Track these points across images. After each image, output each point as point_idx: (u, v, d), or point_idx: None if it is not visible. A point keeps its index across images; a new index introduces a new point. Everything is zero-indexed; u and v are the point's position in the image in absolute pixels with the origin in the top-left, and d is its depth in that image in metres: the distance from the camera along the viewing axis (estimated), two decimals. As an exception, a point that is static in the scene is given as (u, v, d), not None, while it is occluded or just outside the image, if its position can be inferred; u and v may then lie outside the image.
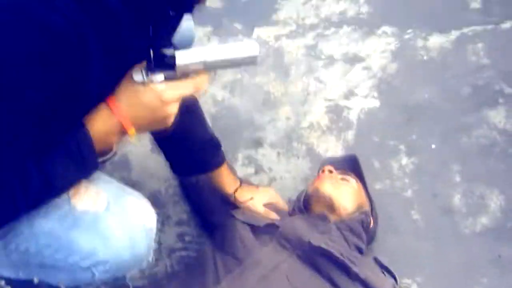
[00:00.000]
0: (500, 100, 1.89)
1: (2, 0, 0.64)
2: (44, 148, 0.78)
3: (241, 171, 1.69)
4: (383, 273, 1.35)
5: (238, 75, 1.96)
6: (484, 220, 1.60)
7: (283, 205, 1.48)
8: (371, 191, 1.56)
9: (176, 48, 0.86)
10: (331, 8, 2.20)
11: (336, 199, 1.37)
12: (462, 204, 1.64)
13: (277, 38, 2.08)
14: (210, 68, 0.93)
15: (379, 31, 2.11)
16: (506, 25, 2.14)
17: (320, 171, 1.48)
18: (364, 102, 1.89)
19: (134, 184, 1.63)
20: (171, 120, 0.89)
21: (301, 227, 1.29)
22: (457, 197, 1.66)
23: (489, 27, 2.13)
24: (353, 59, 2.02)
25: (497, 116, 1.84)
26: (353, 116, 1.85)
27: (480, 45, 2.07)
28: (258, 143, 1.78)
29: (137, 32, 0.79)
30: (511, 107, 1.86)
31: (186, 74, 0.91)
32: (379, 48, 2.06)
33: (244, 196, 1.40)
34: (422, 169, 1.73)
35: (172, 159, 1.32)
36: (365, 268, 1.26)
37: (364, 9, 2.18)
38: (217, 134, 1.39)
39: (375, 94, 1.91)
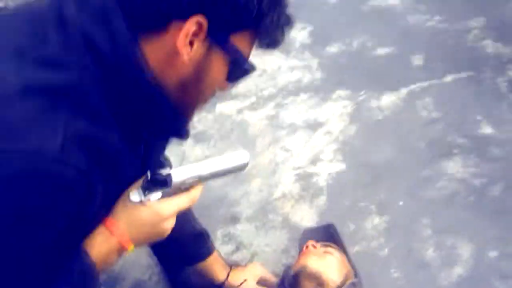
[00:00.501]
0: (455, 151, 2.02)
1: (20, 163, 0.66)
2: (46, 276, 0.79)
3: (222, 249, 1.70)
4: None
5: (207, 151, 2.01)
6: (459, 270, 1.68)
7: (271, 278, 1.51)
8: (350, 254, 1.61)
9: (165, 164, 0.91)
10: (287, 77, 2.32)
11: (324, 274, 1.41)
12: (436, 256, 1.71)
13: (239, 111, 2.16)
14: (204, 180, 0.99)
15: (335, 96, 2.24)
16: (447, 78, 2.32)
17: (304, 247, 1.52)
18: (330, 166, 1.97)
19: (116, 274, 1.62)
20: (168, 232, 0.92)
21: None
22: (431, 250, 1.73)
23: (434, 81, 2.30)
24: (314, 125, 2.12)
25: (454, 166, 1.96)
26: (322, 181, 1.93)
27: (428, 99, 2.22)
28: (235, 219, 1.81)
29: (132, 161, 0.84)
30: (466, 156, 1.99)
31: (181, 188, 0.96)
32: (337, 111, 2.18)
33: (237, 279, 1.42)
34: (394, 226, 1.80)
35: (160, 253, 1.33)
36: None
37: (318, 75, 2.31)
38: (194, 212, 1.41)
39: (340, 157, 2.00)
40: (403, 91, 2.27)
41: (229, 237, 1.76)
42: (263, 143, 2.05)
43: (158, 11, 0.73)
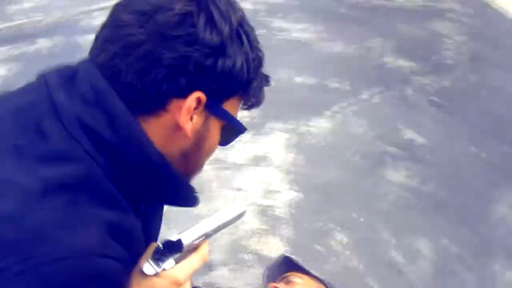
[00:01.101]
0: (387, 159, 2.20)
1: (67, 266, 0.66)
2: None
3: (203, 300, 1.69)
4: None
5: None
6: (425, 264, 1.82)
7: None
8: (325, 273, 1.68)
9: None
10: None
11: None
12: (401, 257, 1.85)
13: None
14: (209, 236, 1.03)
15: (269, 128, 2.34)
16: (363, 96, 2.53)
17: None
18: (283, 196, 2.05)
19: None
20: None
21: None
22: (394, 252, 1.86)
23: (352, 100, 2.50)
24: (257, 160, 2.20)
25: (391, 173, 2.14)
26: (279, 212, 1.99)
27: (351, 117, 2.41)
28: (208, 266, 1.81)
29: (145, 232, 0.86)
30: (399, 162, 2.18)
31: (189, 249, 1.00)
32: (275, 143, 2.27)
33: None
34: (356, 238, 1.91)
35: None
36: None
37: (254, 113, 2.40)
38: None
39: (289, 186, 2.09)
40: (328, 113, 2.43)
41: (207, 286, 1.75)
42: (213, 186, 2.08)
43: (158, 94, 0.75)
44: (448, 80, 2.61)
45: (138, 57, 0.74)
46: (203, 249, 0.95)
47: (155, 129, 0.77)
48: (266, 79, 0.88)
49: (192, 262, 0.90)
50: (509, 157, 2.18)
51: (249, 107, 0.88)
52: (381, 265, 1.83)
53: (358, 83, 2.58)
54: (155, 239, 0.93)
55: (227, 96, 0.81)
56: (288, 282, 1.57)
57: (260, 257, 1.85)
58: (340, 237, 1.92)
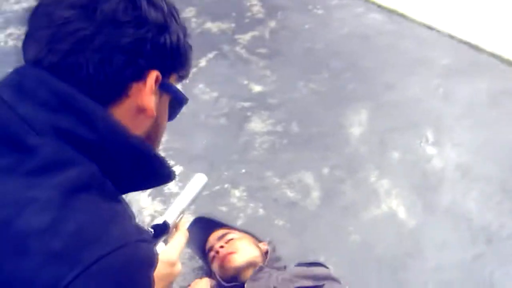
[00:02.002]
0: (249, 114, 2.37)
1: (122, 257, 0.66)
2: None
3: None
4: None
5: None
6: (313, 193, 2.06)
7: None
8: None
9: None
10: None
11: (249, 257, 1.58)
12: (295, 193, 2.06)
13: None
14: (185, 212, 1.10)
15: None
16: (202, 62, 2.63)
17: (212, 253, 1.65)
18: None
19: None
20: (179, 273, 0.99)
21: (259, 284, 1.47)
22: (288, 191, 2.06)
23: (194, 70, 2.57)
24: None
25: (259, 125, 2.31)
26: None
27: (201, 85, 2.49)
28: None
29: None
30: (259, 115, 2.36)
31: (172, 229, 1.06)
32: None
33: None
34: (250, 189, 2.05)
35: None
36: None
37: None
38: None
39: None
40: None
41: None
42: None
43: (120, 80, 0.76)
44: (265, 32, 2.86)
45: (95, 49, 0.74)
46: (182, 226, 1.06)
47: (122, 117, 0.78)
48: (191, 49, 0.94)
49: (179, 241, 1.01)
50: (331, 83, 2.54)
51: (181, 79, 0.92)
52: (280, 205, 2.01)
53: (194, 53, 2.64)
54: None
55: (174, 71, 0.85)
56: (227, 241, 1.64)
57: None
58: (238, 193, 2.03)
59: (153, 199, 1.99)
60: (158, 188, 2.01)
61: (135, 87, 0.77)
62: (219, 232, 1.72)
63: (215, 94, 2.44)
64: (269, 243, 1.74)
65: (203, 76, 2.50)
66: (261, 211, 1.99)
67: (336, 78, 2.55)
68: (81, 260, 0.60)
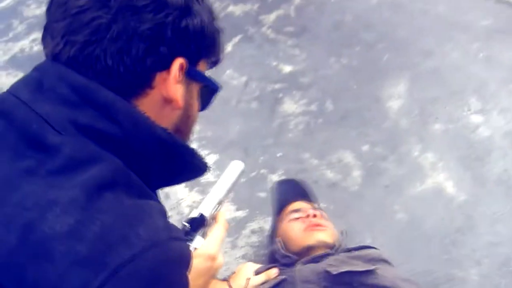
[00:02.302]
0: (281, 96, 2.29)
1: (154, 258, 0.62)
2: None
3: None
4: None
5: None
6: (354, 172, 1.98)
7: (264, 268, 1.53)
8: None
9: None
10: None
11: (330, 242, 1.51)
12: (335, 173, 1.98)
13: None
14: (223, 202, 1.06)
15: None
16: (228, 47, 2.56)
17: (298, 214, 1.59)
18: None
19: None
20: (221, 266, 0.96)
21: (312, 268, 1.39)
22: (329, 172, 1.99)
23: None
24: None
25: (292, 106, 2.24)
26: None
27: (229, 70, 2.42)
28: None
29: None
30: (291, 96, 2.28)
31: (210, 221, 1.03)
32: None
33: (240, 281, 1.41)
34: (289, 174, 1.98)
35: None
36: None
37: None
38: None
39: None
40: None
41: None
42: None
43: (142, 71, 0.71)
44: (290, 9, 2.76)
45: (112, 39, 0.69)
46: (222, 218, 1.02)
47: (147, 109, 0.73)
48: (221, 32, 0.88)
49: (218, 233, 0.96)
50: (364, 57, 2.42)
51: (213, 65, 0.87)
52: (321, 187, 1.94)
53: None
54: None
55: (202, 57, 0.79)
56: (320, 215, 1.61)
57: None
58: (275, 178, 1.97)
59: (190, 189, 1.96)
60: (194, 180, 1.97)
61: (159, 77, 0.72)
62: (310, 204, 1.68)
63: (244, 78, 2.37)
64: (342, 233, 1.66)
65: (230, 61, 2.43)
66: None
67: (369, 51, 2.44)
68: (107, 263, 0.57)
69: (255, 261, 1.63)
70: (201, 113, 0.86)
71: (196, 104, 0.82)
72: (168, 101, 0.74)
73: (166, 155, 0.74)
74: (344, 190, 1.93)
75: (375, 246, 1.59)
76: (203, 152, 2.07)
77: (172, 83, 0.73)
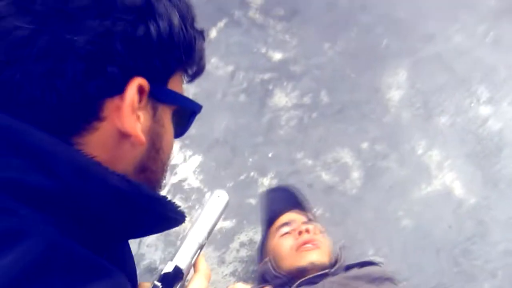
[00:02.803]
0: (270, 87, 2.08)
1: None
2: None
3: None
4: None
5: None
6: (353, 174, 1.80)
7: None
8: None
9: None
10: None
11: (323, 264, 1.35)
12: (331, 175, 1.80)
13: None
14: (203, 246, 0.86)
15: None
16: (213, 33, 2.34)
17: (289, 229, 1.42)
18: (190, 162, 1.83)
19: None
20: None
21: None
22: (324, 174, 1.80)
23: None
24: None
25: (283, 100, 2.03)
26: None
27: (216, 60, 2.21)
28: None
29: None
30: (282, 88, 2.08)
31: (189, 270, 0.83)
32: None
33: None
34: (281, 175, 1.80)
35: None
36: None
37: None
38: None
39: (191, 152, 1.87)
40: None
41: None
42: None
43: (84, 99, 0.52)
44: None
45: (38, 58, 0.50)
46: (202, 265, 0.80)
47: (97, 149, 0.55)
48: (202, 34, 0.67)
49: (198, 283, 0.78)
50: (361, 42, 2.21)
51: (193, 78, 0.67)
52: (316, 191, 1.76)
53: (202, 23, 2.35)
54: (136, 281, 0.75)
55: (173, 71, 0.60)
56: (313, 230, 1.42)
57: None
58: (266, 182, 1.79)
59: (173, 197, 1.77)
60: (176, 186, 1.79)
61: (109, 103, 0.53)
62: (303, 215, 1.50)
63: (230, 68, 2.16)
64: (340, 248, 1.50)
65: (215, 49, 2.21)
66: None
67: (366, 35, 2.23)
68: None
69: (245, 279, 1.46)
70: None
71: (169, 132, 0.63)
72: (125, 135, 0.55)
73: (127, 209, 0.56)
74: (342, 194, 1.75)
75: (378, 260, 1.43)
76: (186, 153, 1.88)
77: (127, 112, 0.53)
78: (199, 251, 0.82)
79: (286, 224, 1.45)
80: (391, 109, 1.96)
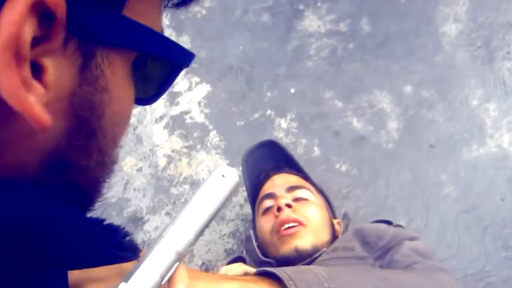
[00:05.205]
0: (301, 7, 1.72)
1: None
2: None
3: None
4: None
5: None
6: (391, 124, 1.49)
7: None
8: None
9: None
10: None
11: (315, 244, 1.07)
12: (365, 124, 1.49)
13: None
14: (189, 250, 0.55)
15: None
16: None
17: (271, 203, 1.14)
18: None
19: None
20: None
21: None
22: (358, 123, 1.50)
23: None
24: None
25: (314, 23, 1.68)
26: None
27: None
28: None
29: None
30: (312, 8, 1.71)
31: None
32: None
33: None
34: (312, 114, 1.50)
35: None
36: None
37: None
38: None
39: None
40: None
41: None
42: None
43: None
44: None
45: None
46: (182, 278, 0.52)
47: None
48: None
49: None
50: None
51: (173, 6, 0.39)
52: (344, 141, 1.46)
53: None
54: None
55: None
56: (297, 199, 1.14)
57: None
58: (284, 124, 1.49)
59: (171, 133, 1.49)
60: (177, 118, 1.50)
61: None
62: (288, 179, 1.22)
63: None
64: (343, 217, 1.23)
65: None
66: (316, 150, 1.46)
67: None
68: None
69: (247, 244, 1.22)
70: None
71: (119, 98, 0.36)
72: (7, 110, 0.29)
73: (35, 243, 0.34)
74: (374, 147, 1.45)
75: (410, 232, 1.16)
76: (192, 80, 1.57)
77: (3, 64, 0.27)
78: (176, 264, 0.53)
79: (268, 196, 1.18)
80: (445, 46, 1.59)
